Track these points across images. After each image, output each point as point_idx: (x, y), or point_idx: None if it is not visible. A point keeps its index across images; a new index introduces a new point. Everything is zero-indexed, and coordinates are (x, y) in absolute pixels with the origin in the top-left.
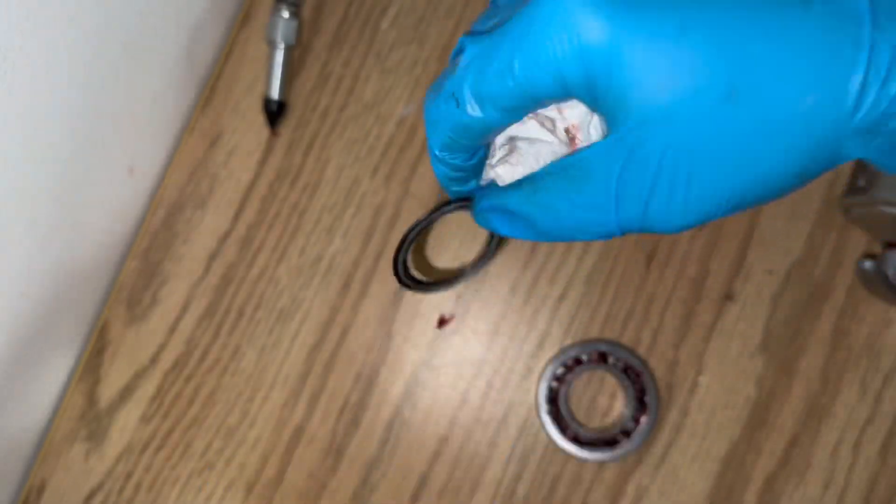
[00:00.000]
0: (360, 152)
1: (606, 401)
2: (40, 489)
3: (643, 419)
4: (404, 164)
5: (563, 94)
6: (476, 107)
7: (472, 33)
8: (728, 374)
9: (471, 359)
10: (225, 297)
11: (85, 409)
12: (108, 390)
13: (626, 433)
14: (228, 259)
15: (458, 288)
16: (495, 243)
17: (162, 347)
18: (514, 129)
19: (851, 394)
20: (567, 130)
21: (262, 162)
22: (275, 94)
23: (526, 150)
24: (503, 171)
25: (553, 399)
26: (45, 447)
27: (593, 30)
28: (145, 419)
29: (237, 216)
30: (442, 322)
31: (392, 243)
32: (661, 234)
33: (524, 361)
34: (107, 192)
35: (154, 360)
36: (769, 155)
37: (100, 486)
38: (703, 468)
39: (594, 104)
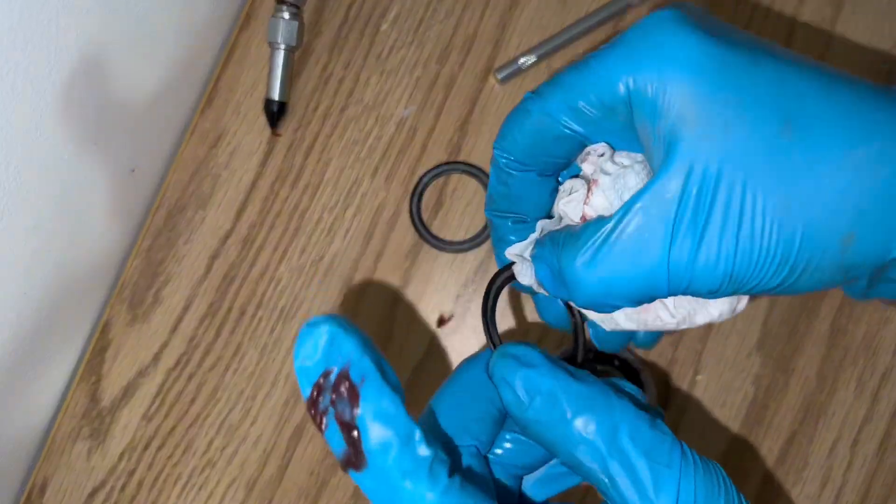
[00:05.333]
0: (360, 153)
1: None
2: (43, 487)
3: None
4: (404, 165)
5: (626, 103)
6: (553, 98)
7: None
8: (726, 373)
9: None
10: (226, 297)
11: (87, 408)
12: (111, 389)
13: None
14: (230, 259)
15: (457, 287)
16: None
17: (164, 346)
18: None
19: (848, 392)
20: (589, 182)
21: (264, 162)
22: (276, 95)
23: (611, 180)
24: (597, 201)
25: None
26: (47, 445)
27: (682, 45)
28: (147, 417)
29: (238, 216)
30: (441, 321)
31: (392, 243)
32: (701, 295)
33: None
34: (109, 192)
35: (156, 358)
36: (818, 198)
37: (102, 484)
38: None
39: (651, 120)
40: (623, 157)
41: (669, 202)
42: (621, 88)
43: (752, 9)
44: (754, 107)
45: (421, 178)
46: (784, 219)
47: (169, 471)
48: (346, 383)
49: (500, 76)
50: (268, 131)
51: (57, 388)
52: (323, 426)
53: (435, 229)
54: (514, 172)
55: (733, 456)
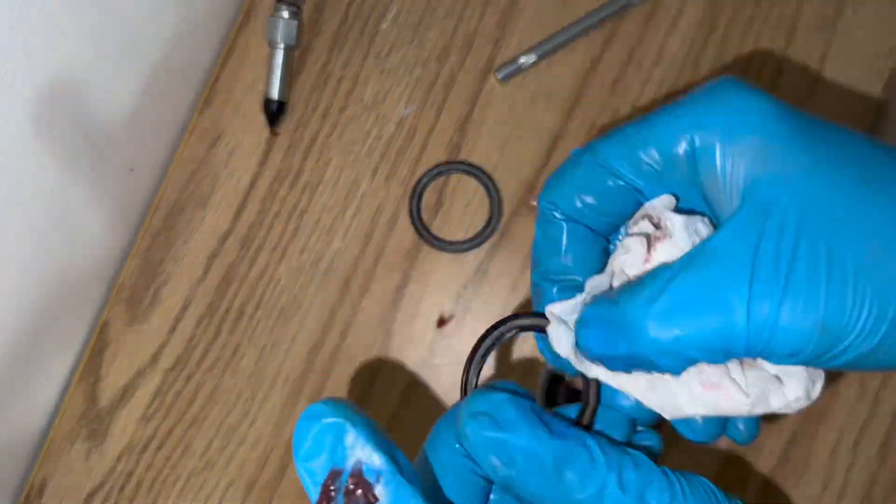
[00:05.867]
0: (359, 153)
1: None
2: (41, 488)
3: None
4: (404, 164)
5: (690, 157)
6: (608, 150)
7: None
8: None
9: None
10: (225, 297)
11: (86, 409)
12: (109, 389)
13: None
14: (229, 259)
15: (458, 287)
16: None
17: (162, 347)
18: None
19: (850, 394)
20: (649, 239)
21: (263, 162)
22: (275, 94)
23: (677, 227)
24: (664, 249)
25: (553, 398)
26: (45, 446)
27: (748, 101)
28: (146, 418)
29: (237, 216)
30: (442, 322)
31: (391, 243)
32: (782, 358)
33: (524, 361)
34: (107, 192)
35: (154, 359)
36: None
37: (101, 486)
38: (704, 468)
39: (722, 172)
40: (686, 213)
41: (748, 245)
42: (684, 144)
43: (754, 8)
44: (830, 158)
45: (421, 178)
46: (874, 269)
47: (168, 472)
48: (361, 486)
49: (500, 75)
50: (267, 131)
51: (55, 389)
52: None
53: (435, 229)
54: (565, 225)
55: (735, 458)
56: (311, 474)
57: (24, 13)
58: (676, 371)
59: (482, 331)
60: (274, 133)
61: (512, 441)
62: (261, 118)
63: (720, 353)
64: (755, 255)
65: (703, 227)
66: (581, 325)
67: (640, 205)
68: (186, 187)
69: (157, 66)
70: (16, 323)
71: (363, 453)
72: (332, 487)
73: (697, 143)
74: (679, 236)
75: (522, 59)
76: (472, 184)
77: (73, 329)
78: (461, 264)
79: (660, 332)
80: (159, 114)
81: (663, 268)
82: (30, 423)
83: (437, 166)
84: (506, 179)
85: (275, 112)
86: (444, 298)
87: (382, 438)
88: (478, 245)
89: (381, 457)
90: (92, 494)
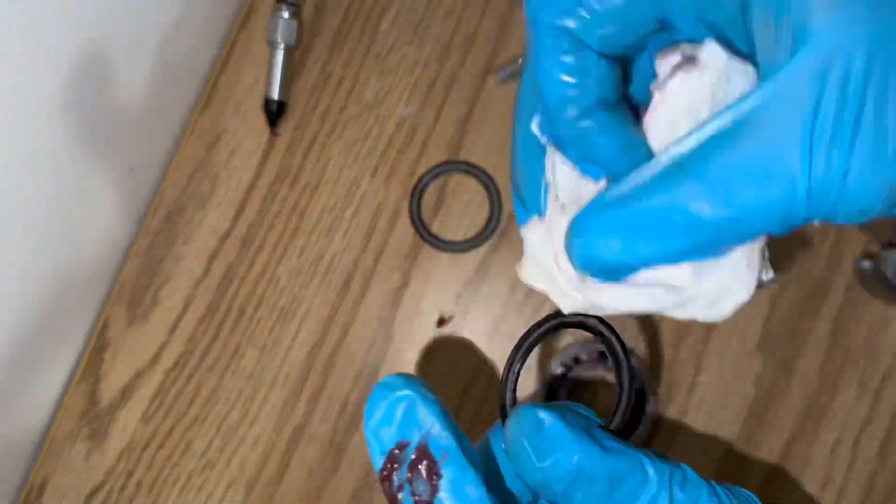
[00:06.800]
0: (359, 152)
1: (605, 399)
2: (42, 487)
3: (642, 418)
4: (404, 164)
5: None
6: None
7: None
8: (727, 374)
9: (471, 358)
10: (225, 297)
11: (86, 408)
12: (109, 389)
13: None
14: (229, 259)
15: (458, 287)
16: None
17: (163, 346)
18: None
19: (850, 393)
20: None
21: (263, 162)
22: (275, 94)
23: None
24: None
25: (553, 397)
26: (46, 446)
27: None
28: (146, 418)
29: (238, 216)
30: (441, 321)
31: (391, 243)
32: (849, 217)
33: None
34: (108, 192)
35: (155, 359)
36: None
37: (101, 485)
38: (702, 467)
39: (777, 10)
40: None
41: (806, 100)
42: None
43: None
44: None
45: (421, 178)
46: None
47: (168, 472)
48: (426, 460)
49: (499, 76)
50: (267, 131)
51: (56, 389)
52: (398, 502)
53: (435, 229)
54: (593, 49)
55: (735, 457)
56: (379, 443)
57: (24, 12)
58: (732, 244)
59: (482, 330)
60: (274, 133)
61: (562, 460)
62: (261, 118)
63: (784, 227)
64: (815, 113)
65: (741, 79)
66: (592, 221)
67: (660, 26)
68: (186, 187)
69: (156, 66)
70: (16, 323)
71: (432, 430)
72: (397, 458)
73: None
74: (712, 70)
75: (522, 60)
76: (472, 184)
77: (73, 329)
78: (461, 264)
79: (713, 210)
80: (159, 114)
81: (708, 130)
82: (30, 423)
83: (437, 166)
84: (506, 179)
85: (275, 112)
86: (444, 298)
87: (451, 419)
88: (478, 245)
89: (449, 435)
90: (92, 494)
